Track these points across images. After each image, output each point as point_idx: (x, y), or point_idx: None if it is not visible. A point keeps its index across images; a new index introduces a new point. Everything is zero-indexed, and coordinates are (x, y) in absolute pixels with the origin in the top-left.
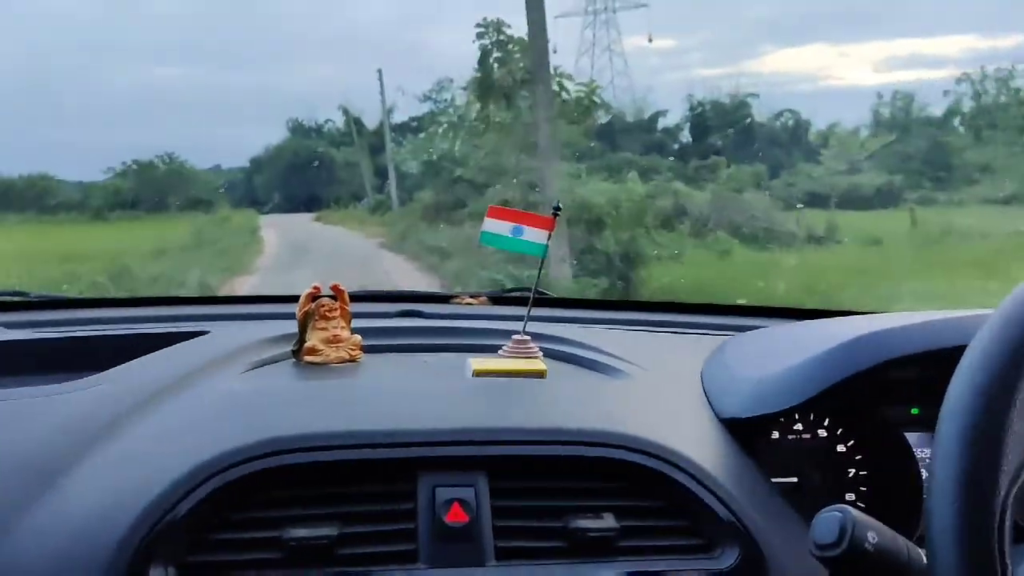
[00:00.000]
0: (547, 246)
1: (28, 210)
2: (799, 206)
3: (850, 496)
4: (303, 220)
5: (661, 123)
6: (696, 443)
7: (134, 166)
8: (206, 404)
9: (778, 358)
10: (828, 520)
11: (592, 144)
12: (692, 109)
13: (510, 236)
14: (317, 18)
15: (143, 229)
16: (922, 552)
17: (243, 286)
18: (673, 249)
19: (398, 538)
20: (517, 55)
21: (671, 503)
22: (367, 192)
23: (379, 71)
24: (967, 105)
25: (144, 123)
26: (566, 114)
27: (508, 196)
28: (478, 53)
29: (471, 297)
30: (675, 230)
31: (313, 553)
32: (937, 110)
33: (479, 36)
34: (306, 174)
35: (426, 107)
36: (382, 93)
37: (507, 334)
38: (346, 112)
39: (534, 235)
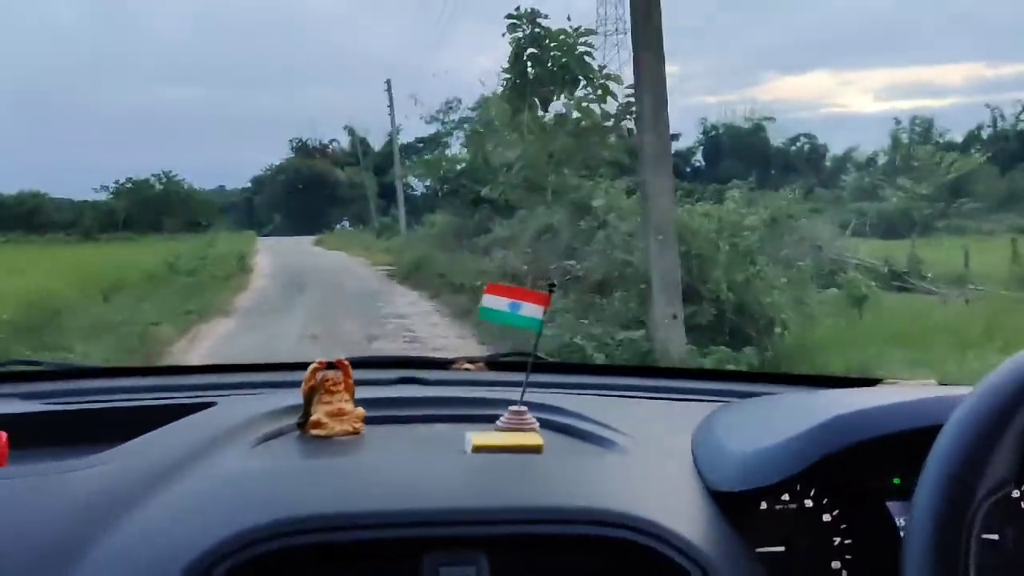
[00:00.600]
0: (543, 321)
1: (17, 229)
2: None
3: (835, 564)
4: (303, 244)
5: (674, 147)
6: (687, 518)
7: (128, 185)
8: (217, 482)
9: (766, 432)
10: None
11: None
12: (706, 133)
13: (508, 311)
14: (325, 42)
15: (133, 251)
16: None
17: (211, 334)
18: (793, 294)
19: None
20: (556, 52)
21: None
22: (372, 214)
23: (388, 82)
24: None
25: (149, 143)
26: (594, 130)
27: (551, 220)
28: (509, 49)
29: (469, 363)
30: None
31: None
32: (957, 136)
33: (510, 29)
34: (308, 195)
35: (433, 128)
36: (391, 105)
37: (504, 403)
38: (352, 132)
39: (531, 310)
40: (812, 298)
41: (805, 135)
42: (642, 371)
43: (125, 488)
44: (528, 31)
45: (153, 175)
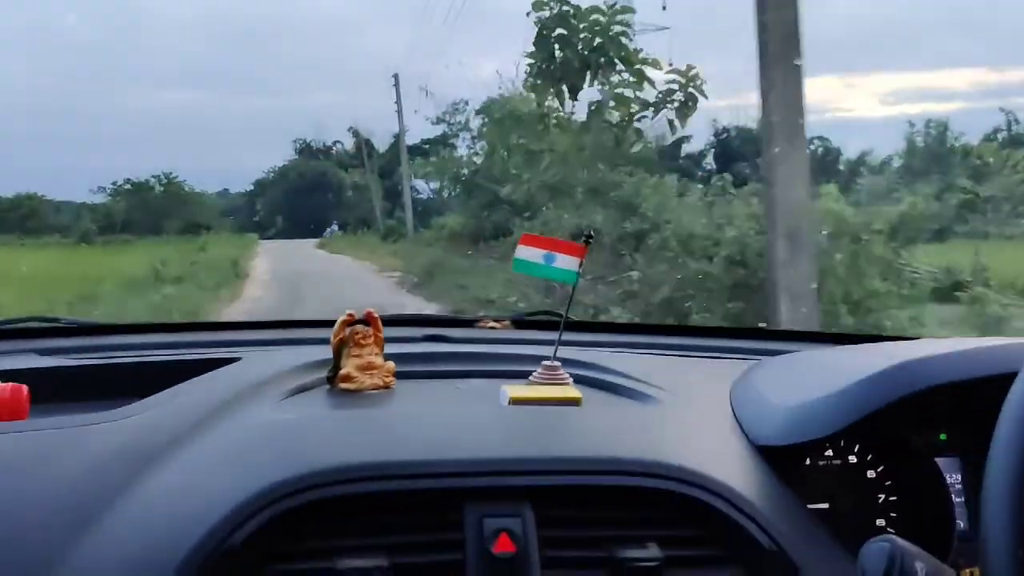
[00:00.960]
0: (579, 273)
1: (13, 231)
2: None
3: (880, 522)
4: (305, 247)
5: (684, 149)
6: (733, 470)
7: (127, 186)
8: (248, 434)
9: (813, 385)
10: (877, 551)
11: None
12: (717, 135)
13: (543, 263)
14: (329, 45)
15: (127, 255)
16: None
17: None
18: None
19: (448, 569)
20: (587, 33)
21: (713, 531)
22: (377, 217)
23: (395, 76)
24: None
25: (153, 146)
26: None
27: (587, 221)
28: (534, 28)
29: (495, 321)
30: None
31: None
32: (972, 139)
33: (536, 8)
34: (311, 197)
35: (439, 129)
36: (398, 101)
37: (534, 359)
38: (356, 133)
39: (566, 262)
40: (930, 317)
41: (818, 138)
42: (674, 330)
43: (149, 441)
44: (556, 9)
45: (153, 176)
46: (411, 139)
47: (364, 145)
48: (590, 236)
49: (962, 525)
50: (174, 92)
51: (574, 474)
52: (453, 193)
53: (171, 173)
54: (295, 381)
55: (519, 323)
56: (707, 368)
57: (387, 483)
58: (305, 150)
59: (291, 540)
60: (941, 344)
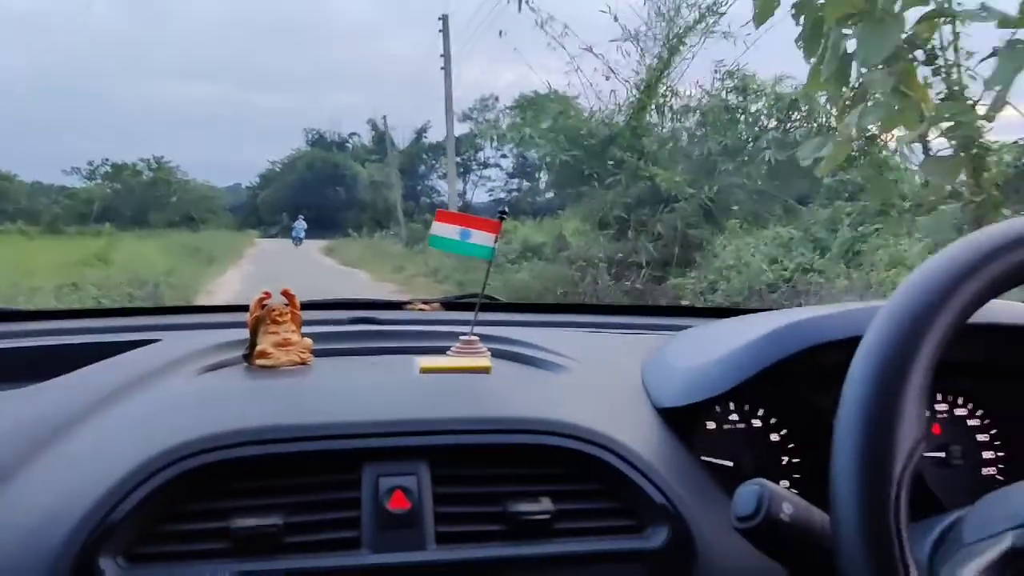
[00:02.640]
0: (494, 249)
1: None
2: None
3: (784, 482)
4: (310, 251)
5: None
6: (631, 430)
7: (106, 168)
8: (155, 404)
9: (711, 350)
10: (746, 493)
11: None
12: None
13: (458, 240)
14: (350, 45)
15: (84, 249)
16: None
17: None
18: None
19: (342, 526)
20: None
21: (605, 487)
22: (400, 219)
23: (443, 19)
24: None
25: (165, 138)
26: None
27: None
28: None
29: (424, 303)
30: None
31: (260, 542)
32: None
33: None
34: (322, 192)
35: (465, 127)
36: (445, 54)
37: (457, 336)
38: (375, 126)
39: (481, 238)
40: None
41: None
42: (594, 308)
43: (59, 414)
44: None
45: (141, 160)
46: (436, 135)
47: (386, 129)
48: (504, 212)
49: None
50: (187, 85)
51: (470, 433)
52: (560, 161)
53: (162, 157)
54: (212, 359)
55: (449, 305)
56: (625, 341)
57: (284, 445)
58: (318, 142)
59: (188, 502)
60: (824, 308)
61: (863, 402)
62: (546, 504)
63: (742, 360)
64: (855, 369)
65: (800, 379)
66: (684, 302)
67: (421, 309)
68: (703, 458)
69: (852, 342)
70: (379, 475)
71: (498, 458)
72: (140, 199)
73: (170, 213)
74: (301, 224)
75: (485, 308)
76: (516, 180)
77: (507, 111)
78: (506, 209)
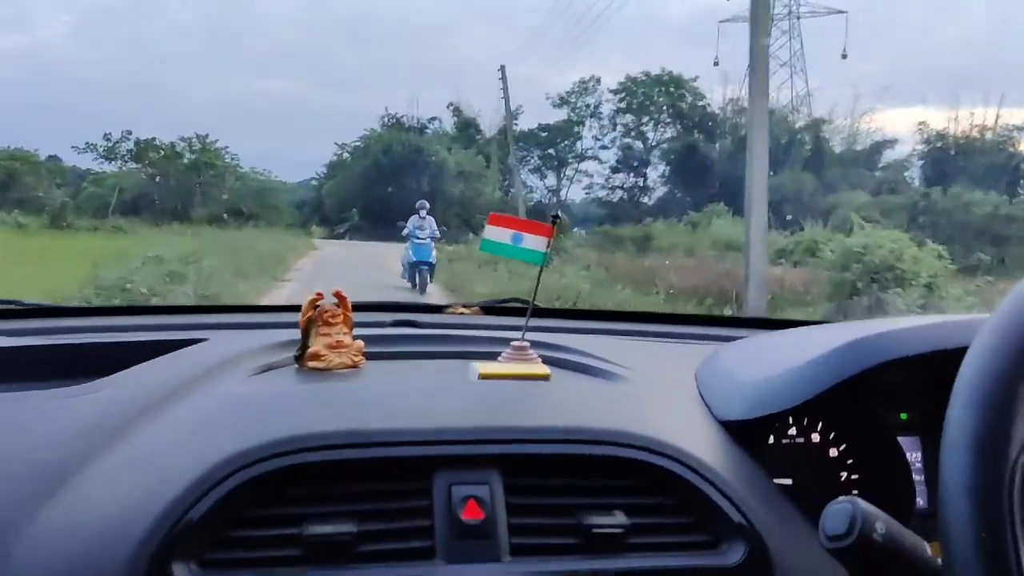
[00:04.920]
0: (547, 254)
1: None
2: None
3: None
4: (388, 258)
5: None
6: (700, 443)
7: (128, 145)
8: (216, 406)
9: (776, 362)
10: (838, 511)
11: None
12: (928, 143)
13: (510, 244)
14: (427, 46)
15: (78, 252)
16: (927, 545)
17: None
18: None
19: (416, 535)
20: None
21: (679, 501)
22: (518, 203)
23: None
24: None
25: (241, 132)
26: None
27: None
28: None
29: (464, 307)
30: None
31: (333, 550)
32: None
33: None
34: (400, 182)
35: (561, 113)
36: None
37: (504, 342)
38: (458, 111)
39: (534, 243)
40: None
41: None
42: (640, 316)
43: (116, 415)
44: None
45: (182, 138)
46: (528, 122)
47: (472, 124)
48: (557, 216)
49: (922, 503)
50: (264, 80)
51: (542, 443)
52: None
53: (207, 136)
54: (263, 360)
55: (489, 309)
56: (673, 350)
57: (355, 451)
58: (395, 126)
59: (259, 507)
60: (897, 321)
61: (973, 419)
62: (620, 518)
63: (814, 374)
64: (961, 388)
65: (861, 392)
66: None
67: (461, 312)
68: (775, 480)
69: (926, 359)
70: (451, 484)
71: (570, 469)
72: (177, 187)
73: (214, 206)
74: (424, 224)
75: (526, 312)
76: (621, 175)
77: (611, 95)
78: (559, 213)
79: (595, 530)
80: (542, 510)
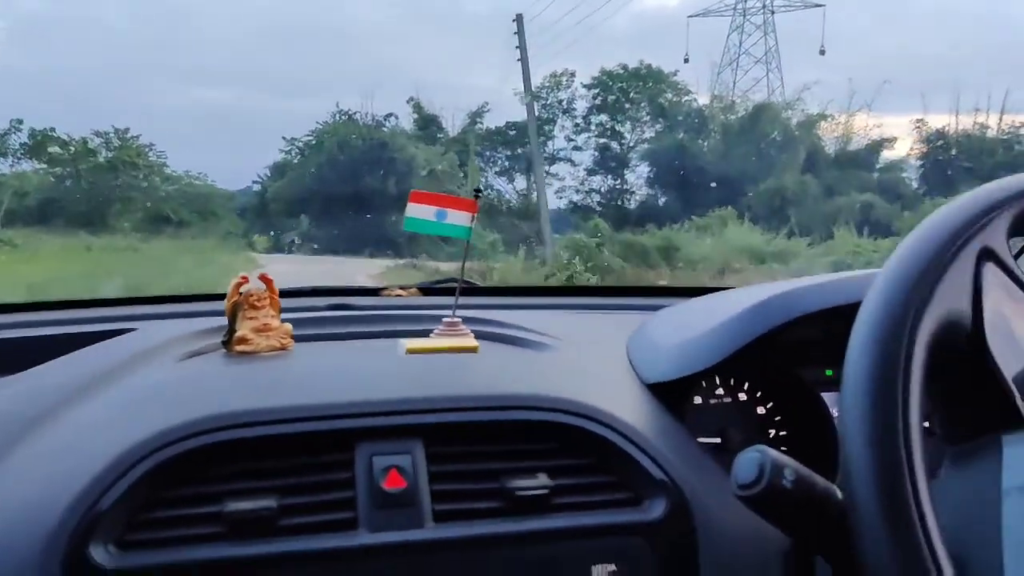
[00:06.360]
0: (471, 229)
1: None
2: None
3: None
4: (348, 278)
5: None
6: (623, 405)
7: (17, 133)
8: (137, 392)
9: (696, 325)
10: (747, 460)
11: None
12: (928, 142)
13: (434, 220)
14: (369, 53)
15: None
16: (836, 488)
17: None
18: None
19: (338, 506)
20: None
21: (600, 460)
22: (543, 228)
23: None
24: None
25: (179, 142)
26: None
27: None
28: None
29: (401, 289)
30: None
31: (254, 525)
32: None
33: None
34: (361, 182)
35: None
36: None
37: (438, 320)
38: (418, 107)
39: (457, 218)
40: None
41: None
42: (573, 290)
43: (36, 405)
44: None
45: (96, 133)
46: (495, 120)
47: (434, 122)
48: (479, 191)
49: None
50: (202, 90)
51: (463, 411)
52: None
53: (127, 131)
54: (190, 346)
55: (426, 290)
56: (605, 320)
57: (274, 427)
58: (346, 125)
59: (178, 488)
60: (803, 280)
61: (867, 372)
62: (543, 479)
63: (730, 332)
64: (856, 337)
65: (785, 351)
66: None
67: (398, 295)
68: (698, 439)
69: (840, 311)
70: (373, 455)
71: (492, 435)
72: (91, 190)
73: (136, 213)
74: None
75: (465, 292)
76: (598, 177)
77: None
78: (480, 188)
79: (518, 492)
80: (465, 476)
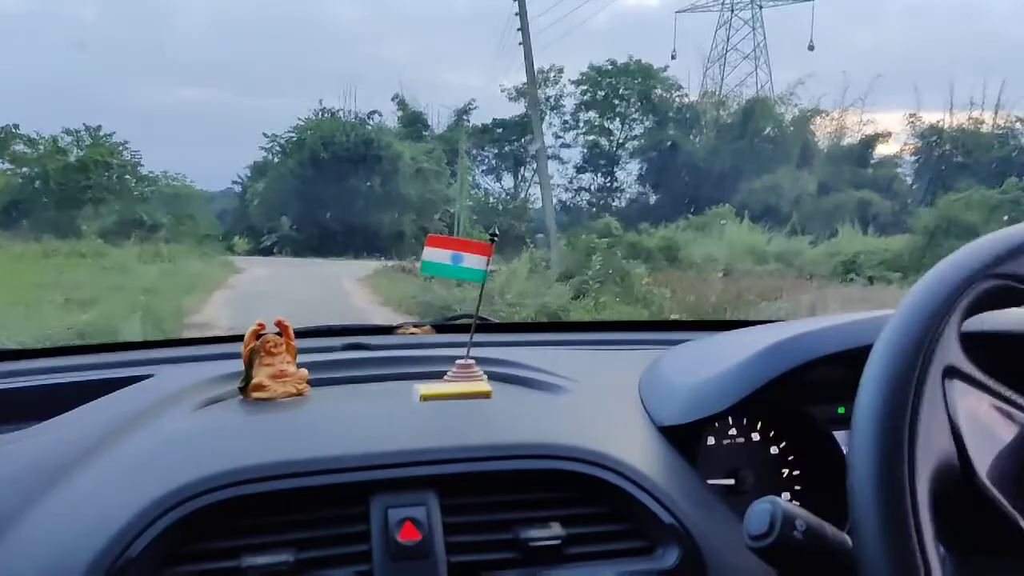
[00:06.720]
0: (486, 272)
1: None
2: None
3: (785, 495)
4: (333, 281)
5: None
6: (635, 450)
7: None
8: (156, 443)
9: (709, 366)
10: (759, 512)
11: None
12: (922, 137)
13: (450, 264)
14: (351, 52)
15: None
16: (847, 537)
17: None
18: None
19: (353, 560)
20: None
21: (614, 509)
22: (549, 232)
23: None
24: None
25: (159, 142)
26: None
27: None
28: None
29: (415, 327)
30: None
31: None
32: None
33: None
34: (344, 182)
35: (519, 107)
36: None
37: (452, 360)
38: (403, 103)
39: (473, 261)
40: None
41: None
42: (585, 326)
43: (54, 459)
44: None
45: (67, 131)
46: (482, 116)
47: (419, 119)
48: (495, 234)
49: None
50: (183, 89)
51: (476, 461)
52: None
53: (99, 128)
54: (207, 393)
55: (440, 328)
56: (618, 358)
57: (289, 481)
58: (328, 123)
59: (197, 542)
60: (821, 321)
61: (877, 414)
62: (556, 529)
63: (742, 376)
64: (867, 378)
65: (797, 390)
66: None
67: (412, 333)
68: (709, 481)
69: (851, 355)
70: (388, 507)
71: (506, 484)
72: (60, 192)
73: (110, 216)
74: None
75: (479, 329)
76: (588, 175)
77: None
78: (496, 231)
79: (532, 543)
80: (479, 527)
